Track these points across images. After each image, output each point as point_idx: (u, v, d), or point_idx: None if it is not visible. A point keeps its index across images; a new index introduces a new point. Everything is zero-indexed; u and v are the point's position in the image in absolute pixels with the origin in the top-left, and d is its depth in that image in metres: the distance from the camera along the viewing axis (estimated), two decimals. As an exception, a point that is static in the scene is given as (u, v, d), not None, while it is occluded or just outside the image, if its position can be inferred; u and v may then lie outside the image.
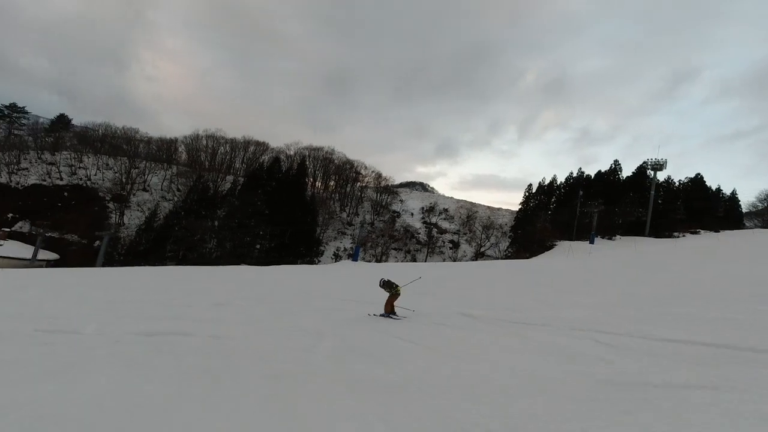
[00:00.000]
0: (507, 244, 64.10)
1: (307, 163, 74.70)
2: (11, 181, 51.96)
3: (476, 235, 69.86)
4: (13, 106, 58.37)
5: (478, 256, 65.75)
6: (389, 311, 10.23)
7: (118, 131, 63.95)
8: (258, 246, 55.47)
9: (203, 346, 5.83)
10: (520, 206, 68.36)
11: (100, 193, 54.86)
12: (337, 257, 59.42)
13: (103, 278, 20.95)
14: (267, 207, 55.63)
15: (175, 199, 57.33)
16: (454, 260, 63.89)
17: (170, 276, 22.07)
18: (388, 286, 10.44)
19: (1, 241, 41.63)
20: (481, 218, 73.60)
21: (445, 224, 76.81)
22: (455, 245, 69.93)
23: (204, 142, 72.39)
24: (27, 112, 59.81)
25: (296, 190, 59.65)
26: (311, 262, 56.00)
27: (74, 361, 4.90)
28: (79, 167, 56.74)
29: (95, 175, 57.00)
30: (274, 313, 9.75)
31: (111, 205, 54.45)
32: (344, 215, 74.13)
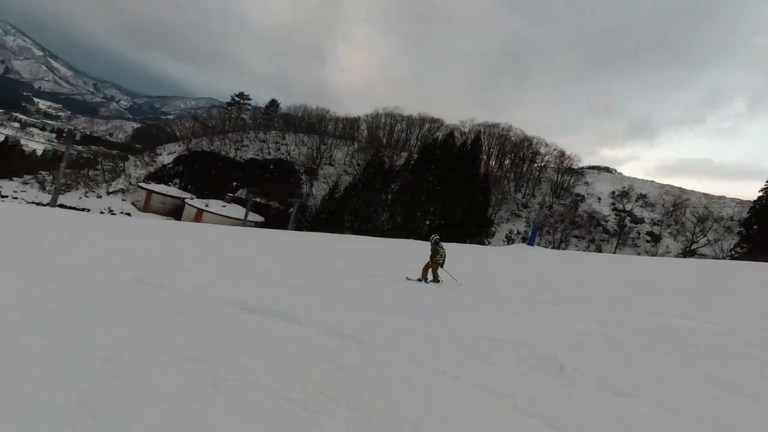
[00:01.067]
0: (734, 241, 48.99)
1: (482, 139, 70.82)
2: (236, 156, 63.72)
3: (686, 227, 55.26)
4: (241, 95, 71.22)
5: (688, 253, 51.89)
6: (425, 276, 9.57)
7: (312, 112, 71.74)
8: (428, 222, 55.19)
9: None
10: (761, 193, 51.18)
11: (296, 167, 62.62)
12: (509, 240, 54.79)
13: (280, 240, 22.43)
14: (439, 183, 54.66)
15: (355, 173, 61.25)
16: (653, 256, 51.79)
17: (340, 243, 22.35)
18: (434, 249, 9.63)
19: (225, 204, 51.40)
20: (694, 208, 57.82)
21: (642, 213, 63.16)
22: (655, 238, 56.84)
23: (383, 120, 75.68)
24: (250, 99, 72.22)
25: (469, 166, 56.92)
26: (481, 243, 52.88)
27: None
28: (282, 144, 65.92)
29: (293, 150, 65.36)
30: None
31: (303, 177, 61.57)
32: (519, 196, 68.05)
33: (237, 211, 51.54)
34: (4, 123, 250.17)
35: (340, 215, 50.50)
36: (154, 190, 53.62)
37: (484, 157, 72.50)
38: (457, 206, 55.56)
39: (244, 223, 46.47)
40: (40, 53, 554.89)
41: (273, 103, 72.37)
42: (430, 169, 55.55)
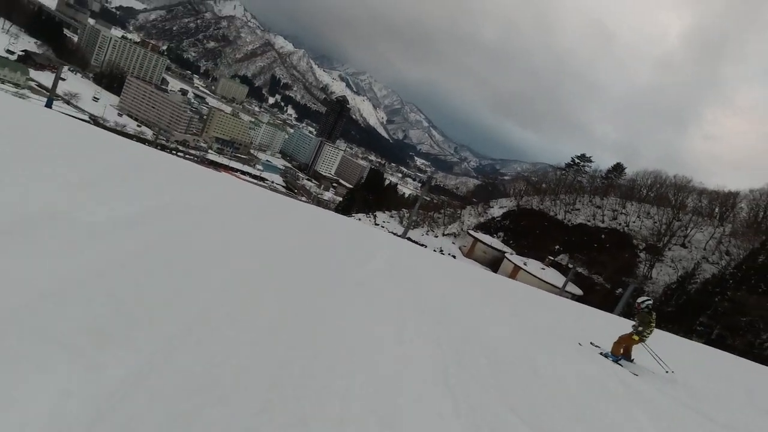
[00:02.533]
0: None
1: None
2: (565, 218, 60.14)
3: None
4: (582, 156, 67.75)
5: None
6: (618, 353, 7.44)
7: (668, 180, 59.43)
8: None
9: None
10: None
11: (634, 240, 52.76)
12: None
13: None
14: None
15: (723, 263, 45.57)
16: None
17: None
18: (642, 317, 7.47)
19: (545, 267, 48.53)
20: None
21: None
22: None
23: (780, 198, 53.95)
24: (592, 161, 67.65)
25: None
26: None
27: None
28: (621, 212, 57.34)
29: (634, 222, 55.57)
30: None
31: (642, 254, 50.93)
32: None
33: (555, 276, 47.67)
34: (393, 172, 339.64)
35: (694, 314, 37.95)
36: (480, 239, 57.15)
37: None
38: None
39: (561, 291, 42.08)
40: (427, 124, 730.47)
41: (617, 167, 64.90)
42: None
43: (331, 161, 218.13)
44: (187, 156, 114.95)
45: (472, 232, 60.08)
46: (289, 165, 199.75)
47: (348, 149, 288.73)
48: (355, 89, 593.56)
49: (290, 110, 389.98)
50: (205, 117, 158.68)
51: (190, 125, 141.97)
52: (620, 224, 56.02)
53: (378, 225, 66.89)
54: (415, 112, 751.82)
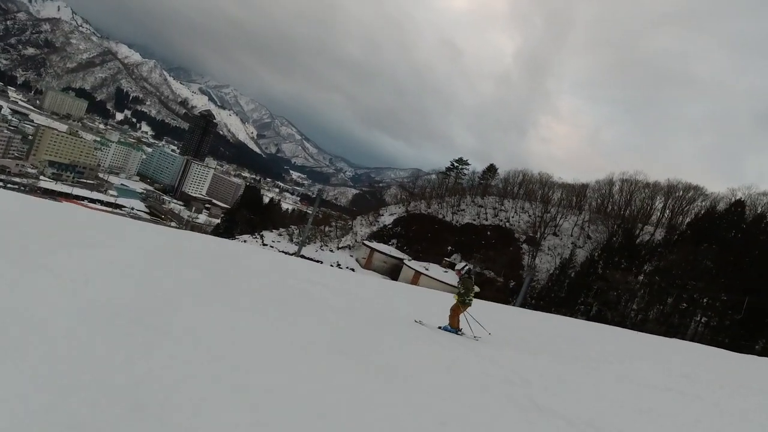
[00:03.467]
0: None
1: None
2: (453, 220, 62.69)
3: None
4: (459, 160, 71.93)
5: None
6: (456, 324, 7.43)
7: (533, 177, 66.34)
8: (697, 318, 40.98)
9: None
10: None
11: (515, 234, 57.23)
12: None
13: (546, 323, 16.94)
14: (716, 266, 40.62)
15: (590, 246, 51.85)
16: None
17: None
18: (465, 282, 7.40)
19: (446, 269, 49.34)
20: None
21: None
22: None
23: (617, 186, 64.40)
24: (469, 164, 72.14)
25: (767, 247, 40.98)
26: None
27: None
28: (501, 209, 61.99)
29: (513, 217, 60.49)
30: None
31: (524, 246, 55.43)
32: None
33: (454, 278, 48.70)
34: (270, 188, 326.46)
35: (575, 295, 41.92)
36: (377, 248, 56.03)
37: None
38: (742, 300, 40.04)
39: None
40: (299, 137, 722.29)
41: (491, 168, 70.43)
42: (702, 247, 42.21)
43: (201, 181, 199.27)
44: (8, 186, 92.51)
45: (367, 242, 58.72)
46: (150, 188, 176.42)
47: (218, 167, 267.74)
48: (219, 103, 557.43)
49: (145, 127, 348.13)
50: (30, 137, 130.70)
51: (10, 147, 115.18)
52: (501, 221, 60.45)
53: (267, 245, 61.42)
54: (286, 125, 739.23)
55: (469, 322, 7.68)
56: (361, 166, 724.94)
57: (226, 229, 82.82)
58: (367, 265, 56.56)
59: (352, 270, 53.08)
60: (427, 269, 47.06)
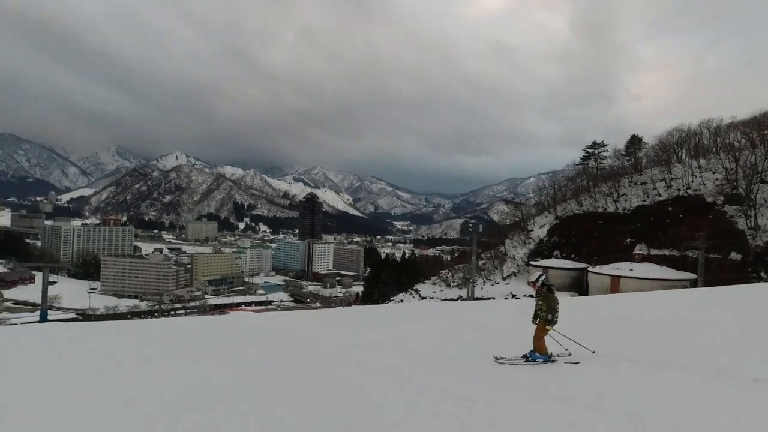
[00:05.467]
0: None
1: None
2: (618, 209, 54.96)
3: None
4: (594, 144, 64.51)
5: None
6: (541, 350, 6.50)
7: (693, 129, 56.32)
8: None
9: None
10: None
11: (708, 199, 47.62)
12: None
13: None
14: None
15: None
16: None
17: None
18: (547, 299, 6.46)
19: (632, 268, 41.88)
20: None
21: None
22: None
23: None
24: (605, 145, 64.32)
25: None
26: None
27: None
28: (672, 179, 52.78)
29: (693, 181, 50.91)
30: None
31: (726, 208, 45.54)
32: None
33: (660, 271, 41.14)
34: (382, 244, 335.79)
35: None
36: (549, 266, 50.64)
37: None
38: None
39: (693, 283, 35.46)
40: (390, 188, 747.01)
41: (634, 140, 61.52)
42: None
43: (325, 257, 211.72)
44: (188, 310, 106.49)
45: (534, 263, 53.69)
46: (286, 277, 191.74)
47: (333, 240, 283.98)
48: (313, 184, 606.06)
49: (263, 227, 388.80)
50: (188, 266, 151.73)
51: (179, 279, 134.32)
52: (680, 189, 51.17)
53: (426, 298, 59.74)
54: (375, 182, 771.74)
55: (570, 339, 6.82)
56: (457, 195, 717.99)
57: (367, 296, 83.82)
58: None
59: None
60: (632, 270, 40.44)
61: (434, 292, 62.06)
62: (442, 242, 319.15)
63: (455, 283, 61.05)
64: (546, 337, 6.67)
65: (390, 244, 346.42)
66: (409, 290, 66.28)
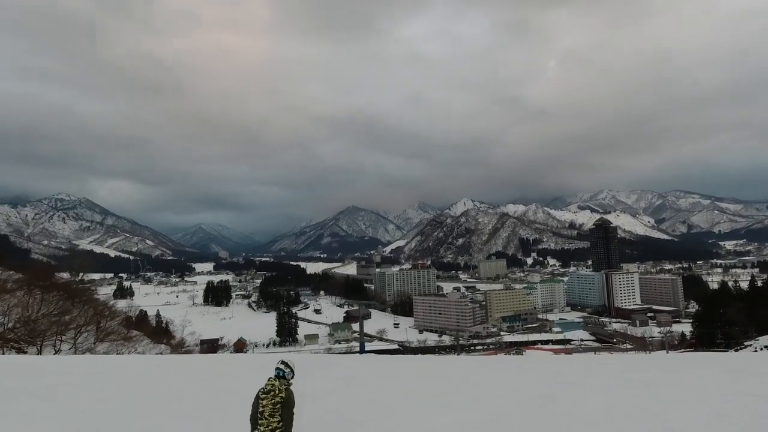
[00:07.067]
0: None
1: None
2: None
3: None
4: None
5: None
6: None
7: None
8: None
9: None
10: None
11: None
12: None
13: None
14: None
15: None
16: None
17: None
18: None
19: None
20: None
21: None
22: None
23: None
24: None
25: None
26: None
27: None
28: None
29: None
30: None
31: None
32: None
33: None
34: (707, 270, 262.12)
35: None
36: None
37: None
38: None
39: None
40: (707, 201, 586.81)
41: None
42: None
43: (628, 290, 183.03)
44: (484, 347, 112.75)
45: None
46: (583, 313, 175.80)
47: (636, 269, 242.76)
48: (601, 210, 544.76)
49: (551, 260, 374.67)
50: (483, 302, 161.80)
51: (475, 316, 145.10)
52: None
53: None
54: (682, 197, 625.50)
55: None
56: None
57: (702, 337, 65.81)
58: None
59: None
60: None
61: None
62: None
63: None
64: None
65: (719, 269, 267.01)
66: None
